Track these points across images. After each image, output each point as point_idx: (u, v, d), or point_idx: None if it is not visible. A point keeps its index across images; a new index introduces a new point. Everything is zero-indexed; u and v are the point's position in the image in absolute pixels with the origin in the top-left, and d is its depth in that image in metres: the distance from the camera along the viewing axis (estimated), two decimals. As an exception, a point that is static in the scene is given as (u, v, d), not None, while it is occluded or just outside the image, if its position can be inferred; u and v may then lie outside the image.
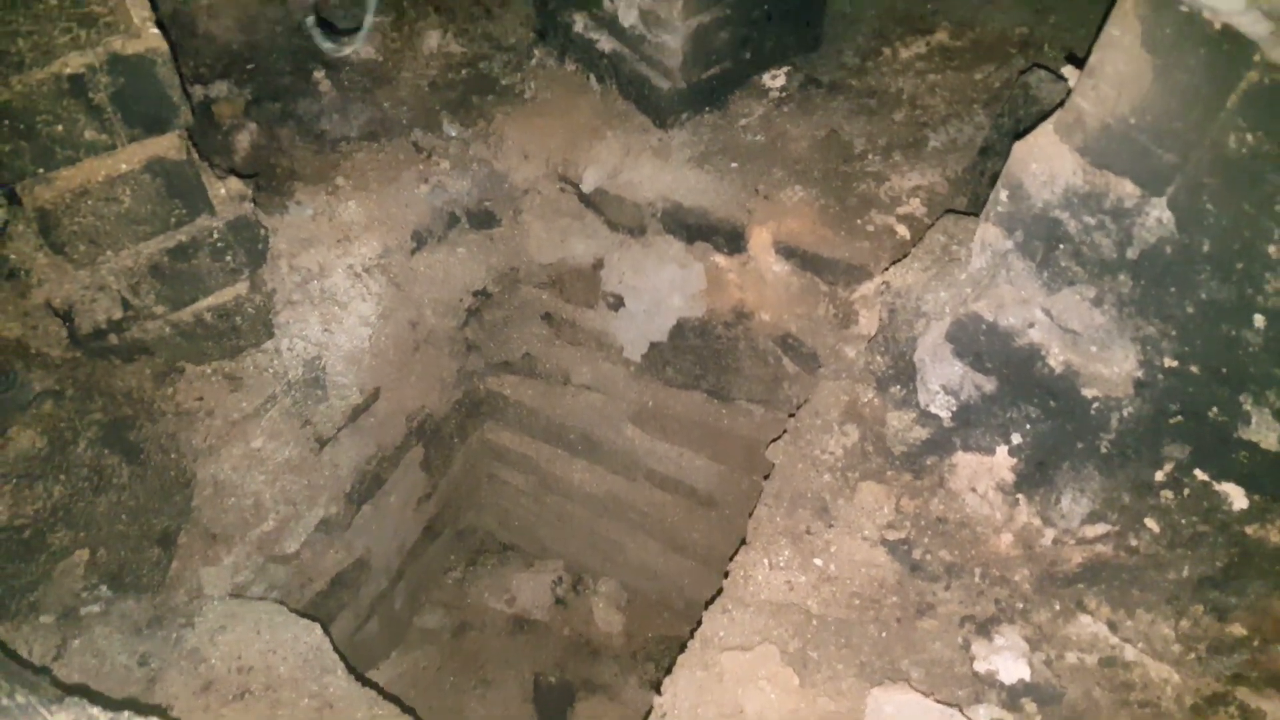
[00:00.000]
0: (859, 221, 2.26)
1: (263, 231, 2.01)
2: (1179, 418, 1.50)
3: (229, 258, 1.93)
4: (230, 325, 2.00)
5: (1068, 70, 1.55)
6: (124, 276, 1.80)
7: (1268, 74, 1.13)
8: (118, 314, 1.83)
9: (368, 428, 2.41)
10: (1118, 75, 1.29)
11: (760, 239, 2.33)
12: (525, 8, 2.74)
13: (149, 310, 1.87)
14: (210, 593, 1.92)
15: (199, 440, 1.97)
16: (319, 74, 2.54)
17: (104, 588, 1.78)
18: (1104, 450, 1.61)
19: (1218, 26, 1.15)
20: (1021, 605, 1.66)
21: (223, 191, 1.88)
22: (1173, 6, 1.18)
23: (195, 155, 1.81)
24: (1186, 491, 1.57)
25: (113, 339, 1.86)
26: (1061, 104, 1.45)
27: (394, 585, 2.96)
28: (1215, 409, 1.45)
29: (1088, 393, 1.55)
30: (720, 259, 2.43)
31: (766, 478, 1.97)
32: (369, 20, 2.55)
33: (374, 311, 2.29)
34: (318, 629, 1.85)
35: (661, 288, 2.56)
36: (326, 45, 2.54)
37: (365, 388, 2.33)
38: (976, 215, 1.81)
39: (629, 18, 2.30)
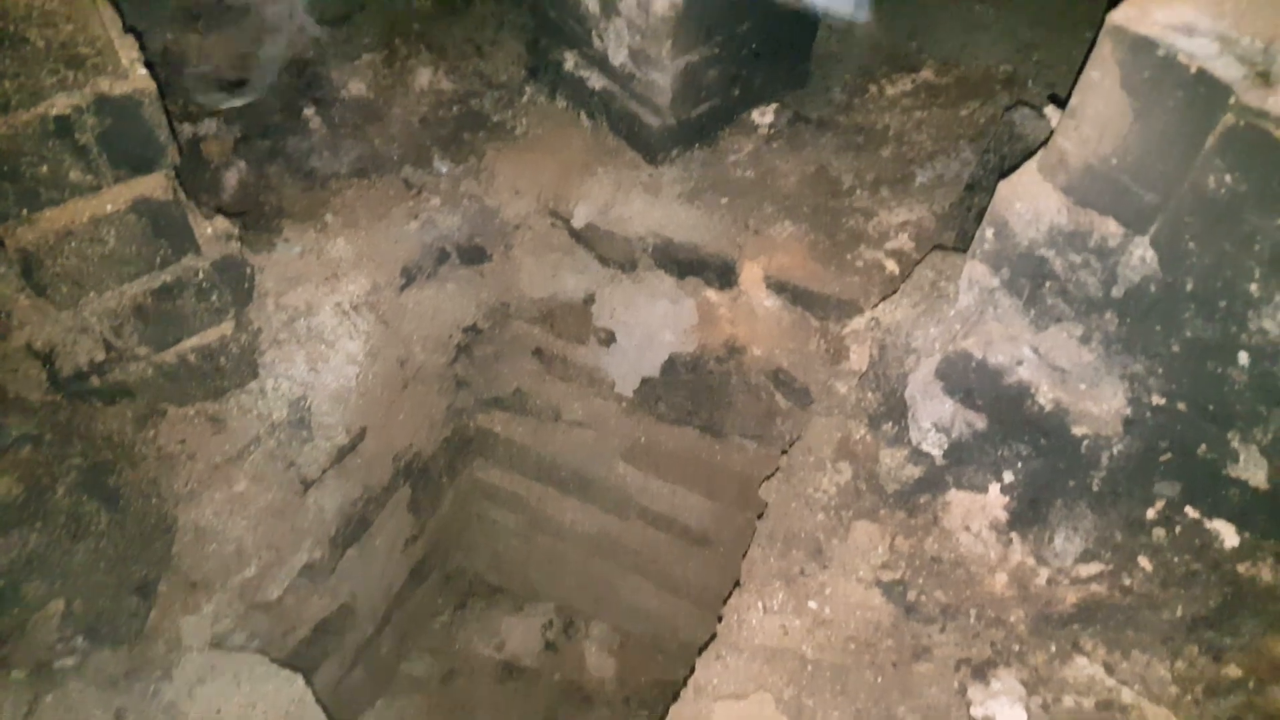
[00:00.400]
0: (848, 257, 2.26)
1: (249, 270, 2.00)
2: (1169, 455, 1.49)
3: (214, 297, 1.92)
4: (214, 366, 1.98)
5: (1050, 110, 1.56)
6: (107, 318, 1.79)
7: (1243, 117, 1.14)
8: (100, 356, 1.82)
9: (354, 469, 2.38)
10: (1098, 116, 1.29)
11: (751, 274, 2.33)
12: (516, 46, 2.75)
13: (132, 351, 1.85)
14: (190, 642, 1.88)
15: (180, 485, 1.95)
16: (309, 111, 2.54)
17: (80, 639, 1.75)
18: (1096, 488, 1.59)
19: (1193, 71, 1.16)
20: (1017, 647, 1.63)
21: (209, 231, 1.87)
22: (1150, 51, 1.19)
23: (182, 195, 1.80)
24: (1178, 529, 1.55)
25: (94, 381, 1.85)
26: (1045, 143, 1.45)
27: (380, 631, 2.92)
28: (1204, 446, 1.44)
29: (1078, 430, 1.54)
30: (711, 294, 2.42)
31: (760, 516, 1.95)
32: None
33: (362, 349, 2.28)
34: (299, 680, 1.82)
35: (653, 323, 2.55)
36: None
37: (352, 428, 2.31)
38: (964, 251, 1.81)
39: (619, 56, 2.32)
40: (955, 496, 1.78)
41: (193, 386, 1.98)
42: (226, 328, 1.98)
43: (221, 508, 2.04)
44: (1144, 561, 1.57)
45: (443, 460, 2.88)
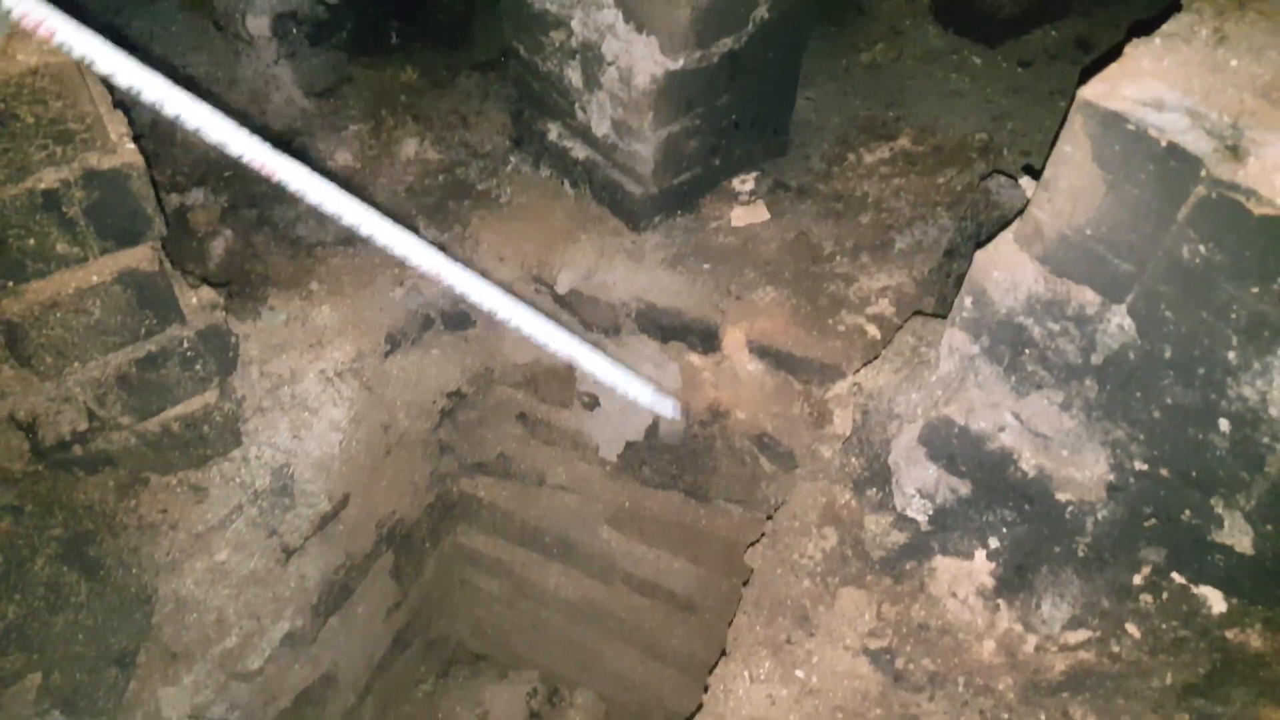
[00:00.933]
0: (830, 321, 2.29)
1: (234, 339, 2.00)
2: (1153, 521, 1.50)
3: (198, 366, 1.91)
4: (198, 434, 1.97)
5: (1025, 181, 1.60)
6: (91, 387, 1.78)
7: (1214, 189, 1.17)
8: (83, 425, 1.80)
9: (336, 536, 2.36)
10: (1071, 189, 1.32)
11: (734, 338, 2.35)
12: (501, 117, 2.80)
13: (115, 421, 1.84)
14: (169, 714, 1.84)
15: (161, 554, 1.92)
16: (296, 181, 2.57)
17: (57, 713, 1.71)
18: (1081, 554, 1.60)
19: (1164, 144, 1.19)
20: (1007, 716, 1.62)
21: (194, 300, 1.88)
22: (1120, 126, 1.22)
23: (168, 265, 1.81)
24: (1165, 595, 1.55)
25: (77, 450, 1.83)
26: (1020, 212, 1.49)
27: (362, 700, 2.86)
28: (1188, 512, 1.45)
29: (1061, 496, 1.55)
30: (695, 358, 2.44)
31: (745, 583, 1.94)
32: None
33: (345, 416, 2.27)
34: (280, 752, 1.78)
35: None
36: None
37: (334, 494, 2.29)
38: (944, 317, 1.84)
39: (601, 127, 2.36)
40: (941, 563, 1.77)
41: (176, 455, 1.97)
42: (210, 396, 1.97)
43: (202, 577, 2.01)
44: (1132, 628, 1.57)
45: (426, 526, 2.86)
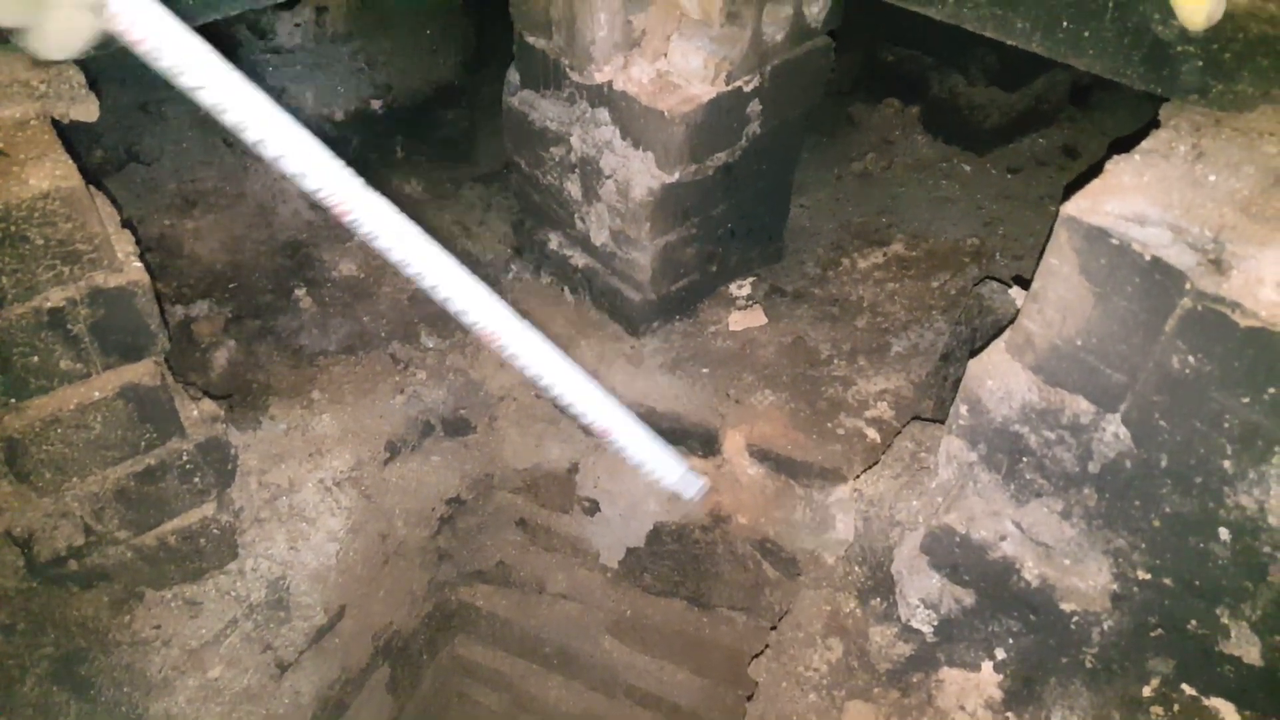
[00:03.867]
0: (829, 425, 2.29)
1: (233, 451, 2.00)
2: (1159, 631, 1.47)
3: (197, 479, 1.91)
4: (194, 548, 1.96)
5: (1014, 291, 1.63)
6: (88, 502, 1.77)
7: (1199, 301, 1.19)
8: (79, 540, 1.79)
9: (331, 649, 2.31)
10: (1060, 300, 1.35)
11: (734, 442, 2.35)
12: (503, 227, 2.87)
13: (111, 535, 1.83)
14: (153, 842, 1.78)
15: (154, 671, 1.88)
16: (300, 291, 2.61)
17: (38, 841, 1.65)
18: (1089, 665, 1.56)
19: (1148, 258, 1.22)
20: (1021, 838, 1.56)
21: (195, 413, 1.89)
22: (1104, 240, 1.25)
23: (170, 379, 1.82)
24: (1176, 707, 1.51)
25: (72, 566, 1.82)
26: (1012, 321, 1.51)
27: (357, 821, 2.76)
28: (1194, 622, 1.43)
29: (1066, 606, 1.53)
30: (695, 462, 2.43)
31: (750, 698, 1.89)
32: None
33: (343, 526, 2.26)
34: None
35: (637, 492, 2.54)
36: None
37: (330, 607, 2.26)
38: (942, 421, 1.84)
39: (600, 237, 2.41)
40: (948, 674, 1.74)
41: (171, 569, 1.95)
42: (208, 509, 1.96)
43: (195, 695, 1.96)
44: (1146, 743, 1.53)
45: (423, 637, 2.80)
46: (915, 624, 1.77)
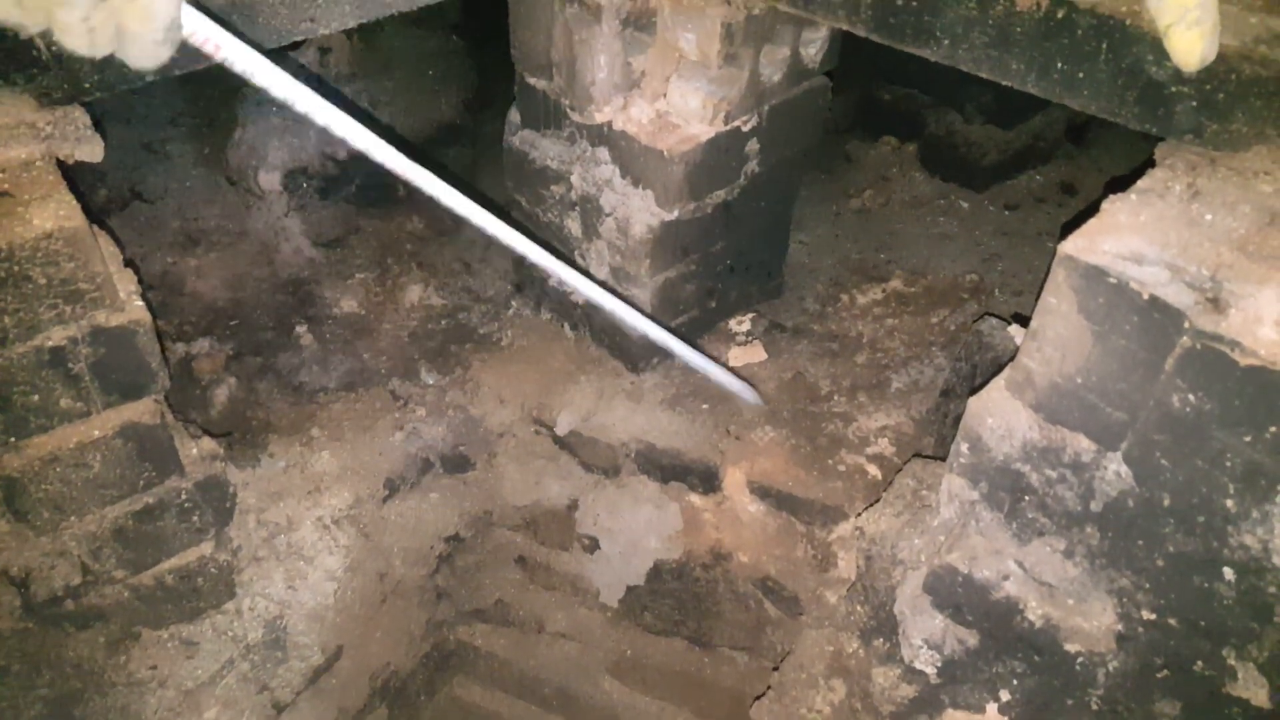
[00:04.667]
0: (830, 461, 2.28)
1: (232, 489, 2.00)
2: (1165, 672, 1.45)
3: (195, 518, 1.90)
4: (192, 587, 1.94)
5: (1014, 329, 1.63)
6: (86, 541, 1.76)
7: (1198, 340, 1.19)
8: (76, 580, 1.78)
9: (328, 690, 2.29)
10: (1059, 339, 1.35)
11: (734, 479, 2.34)
12: (504, 263, 2.88)
13: (109, 575, 1.82)
14: None
15: (149, 713, 1.86)
16: (301, 328, 2.62)
17: None
18: (1095, 707, 1.54)
19: (1146, 297, 1.22)
20: None
21: (194, 451, 1.88)
22: (1102, 279, 1.26)
23: (169, 417, 1.82)
24: (1186, 751, 1.49)
25: (69, 605, 1.80)
26: (1012, 358, 1.51)
27: None
28: (1200, 663, 1.41)
29: (1070, 647, 1.51)
30: (695, 499, 2.42)
31: (750, 740, 1.87)
32: None
33: (341, 565, 2.24)
34: None
35: (637, 529, 2.53)
36: None
37: (328, 646, 2.23)
38: (943, 459, 1.83)
39: (601, 273, 2.42)
40: (952, 717, 1.71)
41: (169, 609, 1.93)
42: (206, 548, 1.95)
43: (189, 738, 1.94)
44: (1154, 787, 1.50)
45: (421, 678, 2.77)
46: (919, 665, 1.75)
